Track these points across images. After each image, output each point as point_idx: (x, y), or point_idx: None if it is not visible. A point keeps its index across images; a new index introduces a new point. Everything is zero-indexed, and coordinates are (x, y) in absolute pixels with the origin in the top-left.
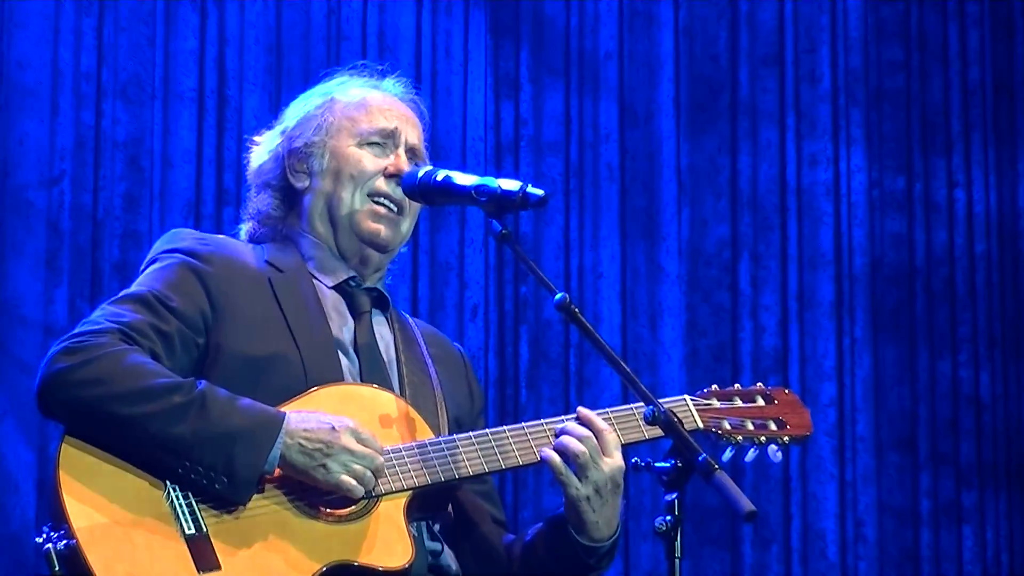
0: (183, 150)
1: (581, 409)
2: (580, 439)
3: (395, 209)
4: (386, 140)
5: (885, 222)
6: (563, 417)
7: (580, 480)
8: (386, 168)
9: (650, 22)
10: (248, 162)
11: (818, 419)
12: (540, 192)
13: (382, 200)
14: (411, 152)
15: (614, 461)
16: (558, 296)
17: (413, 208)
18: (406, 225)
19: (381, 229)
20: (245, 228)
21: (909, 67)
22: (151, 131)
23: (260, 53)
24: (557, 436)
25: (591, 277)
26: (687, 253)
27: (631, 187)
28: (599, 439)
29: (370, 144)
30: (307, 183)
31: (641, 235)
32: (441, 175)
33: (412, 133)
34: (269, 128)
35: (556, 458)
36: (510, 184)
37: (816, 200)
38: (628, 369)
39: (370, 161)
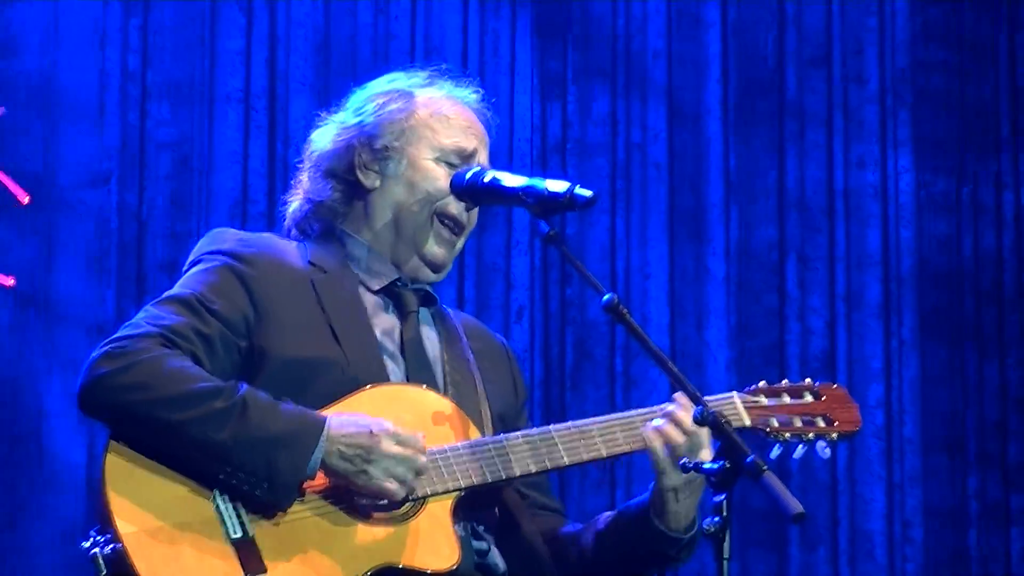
0: (230, 151)
1: (678, 398)
2: (682, 430)
3: (457, 232)
4: (462, 160)
5: (933, 224)
6: (627, 414)
7: (676, 469)
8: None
9: (697, 23)
10: (311, 141)
11: (866, 421)
12: (588, 193)
13: (448, 223)
14: None
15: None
16: (606, 297)
17: (470, 227)
18: (460, 244)
19: (442, 254)
20: (293, 207)
21: (957, 68)
22: (198, 132)
23: (308, 53)
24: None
25: (638, 278)
26: (734, 254)
27: (679, 188)
28: (693, 437)
29: (447, 162)
30: (377, 184)
31: (688, 236)
32: (489, 176)
33: (483, 153)
34: (335, 109)
35: (659, 443)
36: (558, 185)
37: (864, 202)
38: (676, 369)
39: (444, 181)
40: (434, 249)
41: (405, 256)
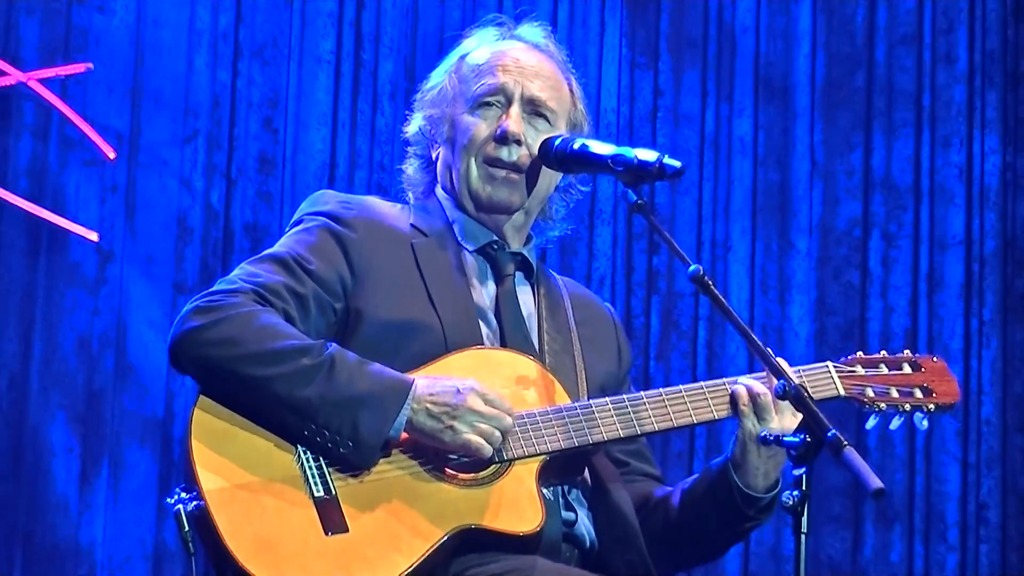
0: (319, 112)
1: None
2: (765, 387)
3: (512, 170)
4: (494, 98)
5: (1017, 206)
6: (715, 381)
7: (759, 419)
8: (495, 132)
9: None
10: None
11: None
12: (677, 163)
13: (497, 163)
14: (532, 103)
15: (790, 423)
16: (692, 268)
17: (524, 161)
18: (534, 184)
19: (492, 191)
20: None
21: None
22: (286, 92)
23: (396, 17)
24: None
25: (722, 251)
26: (818, 230)
27: (765, 162)
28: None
29: (483, 106)
30: (438, 151)
31: (772, 211)
32: (578, 143)
33: (533, 84)
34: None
35: (744, 390)
36: (647, 154)
37: (948, 182)
38: (760, 342)
39: (480, 128)
40: (487, 189)
41: (471, 209)
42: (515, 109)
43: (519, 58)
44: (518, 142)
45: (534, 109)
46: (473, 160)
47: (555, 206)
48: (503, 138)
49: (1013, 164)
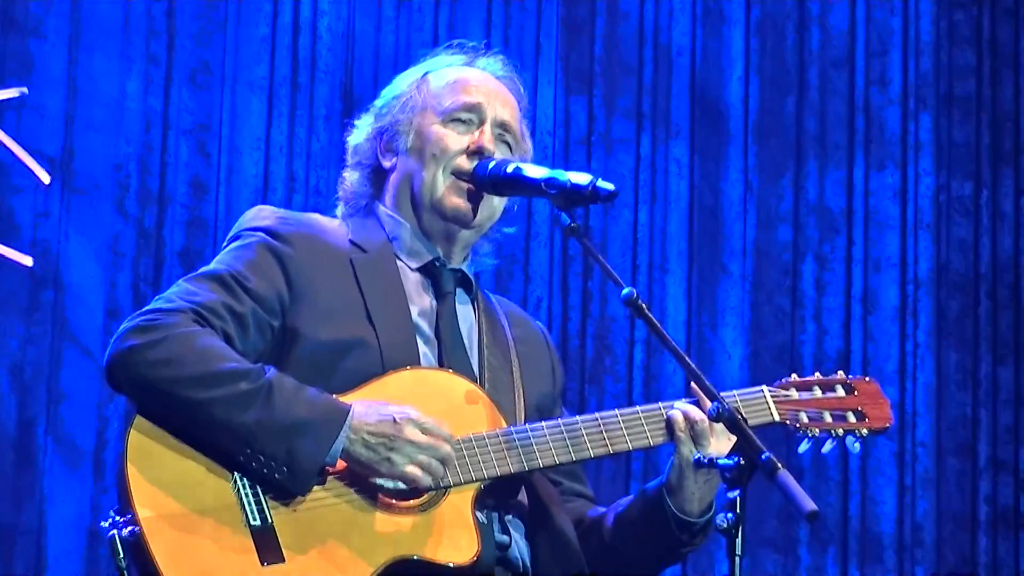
0: (252, 137)
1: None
2: (702, 412)
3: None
4: (469, 115)
5: (951, 228)
6: (651, 406)
7: (696, 445)
8: (468, 146)
9: (722, 20)
10: (347, 144)
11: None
12: (610, 186)
13: (464, 177)
14: (501, 127)
15: (726, 447)
16: (625, 291)
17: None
18: (490, 204)
19: (457, 202)
20: (340, 209)
21: (980, 73)
22: (219, 117)
23: (332, 42)
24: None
25: (659, 273)
26: (752, 253)
27: (699, 185)
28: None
29: (454, 121)
30: (394, 161)
31: (707, 234)
32: (511, 167)
33: (503, 109)
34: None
35: (680, 416)
36: (580, 177)
37: (882, 204)
38: (693, 365)
39: (453, 139)
40: (452, 200)
41: (431, 222)
42: (488, 128)
43: (490, 83)
44: (489, 159)
45: (501, 134)
46: (441, 171)
47: (493, 233)
48: (479, 153)
49: (947, 186)
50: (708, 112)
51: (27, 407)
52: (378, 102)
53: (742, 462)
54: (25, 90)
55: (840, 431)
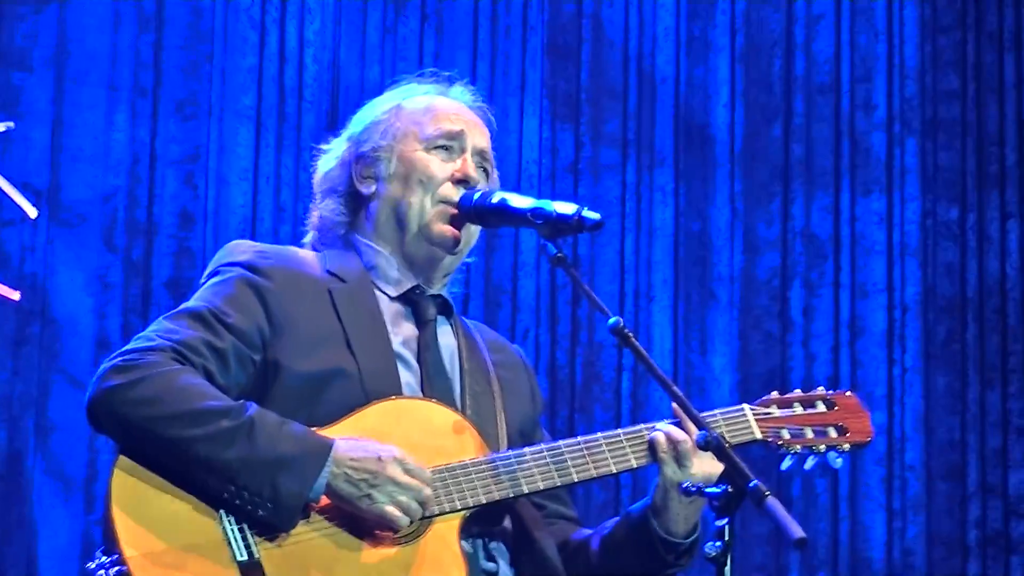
0: (240, 168)
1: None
2: (686, 433)
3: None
4: (452, 143)
5: (938, 252)
6: (634, 428)
7: (679, 466)
8: (453, 174)
9: (707, 47)
10: (314, 171)
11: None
12: (596, 216)
13: (451, 204)
14: (479, 156)
15: (710, 468)
16: (612, 320)
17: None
18: (471, 229)
19: (444, 228)
20: (309, 238)
21: (964, 97)
22: (207, 148)
23: (318, 72)
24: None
25: (645, 301)
26: (739, 279)
27: (685, 212)
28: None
29: (437, 148)
30: (373, 188)
31: (694, 261)
32: (497, 197)
33: (480, 138)
34: (335, 137)
35: (662, 437)
36: (566, 207)
37: (869, 229)
38: (680, 393)
39: (438, 166)
40: (441, 227)
41: (416, 247)
42: (469, 157)
43: (468, 112)
44: (474, 189)
45: (480, 161)
46: (429, 198)
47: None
48: (463, 182)
49: (933, 210)
50: (694, 139)
51: (16, 439)
52: (354, 128)
53: (730, 490)
54: (11, 124)
55: (822, 447)
